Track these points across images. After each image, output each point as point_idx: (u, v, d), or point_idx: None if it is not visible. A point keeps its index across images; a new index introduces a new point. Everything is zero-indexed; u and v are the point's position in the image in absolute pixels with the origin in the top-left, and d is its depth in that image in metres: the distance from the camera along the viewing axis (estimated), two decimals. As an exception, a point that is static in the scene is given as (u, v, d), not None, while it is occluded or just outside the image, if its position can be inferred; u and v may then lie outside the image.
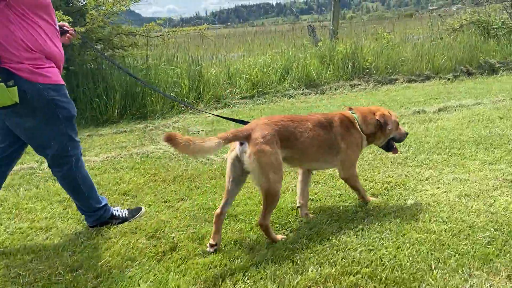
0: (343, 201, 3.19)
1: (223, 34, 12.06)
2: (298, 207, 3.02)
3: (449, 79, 8.77)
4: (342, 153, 2.92)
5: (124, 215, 3.02)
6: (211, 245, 2.55)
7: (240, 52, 9.53)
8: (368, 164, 4.00)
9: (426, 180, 3.51)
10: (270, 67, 8.39)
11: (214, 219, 2.62)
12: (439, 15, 11.46)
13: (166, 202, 3.32)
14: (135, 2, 7.44)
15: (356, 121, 3.03)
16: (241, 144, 2.56)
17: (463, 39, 9.72)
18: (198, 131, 5.64)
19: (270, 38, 10.57)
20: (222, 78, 7.98)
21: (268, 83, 8.09)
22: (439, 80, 8.73)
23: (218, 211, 2.62)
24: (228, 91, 7.69)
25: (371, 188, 3.39)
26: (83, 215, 2.98)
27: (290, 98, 7.84)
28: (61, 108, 2.58)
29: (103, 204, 2.95)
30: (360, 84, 8.44)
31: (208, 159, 4.37)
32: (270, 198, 2.55)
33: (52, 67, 2.56)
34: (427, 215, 2.84)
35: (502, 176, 3.46)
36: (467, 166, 3.75)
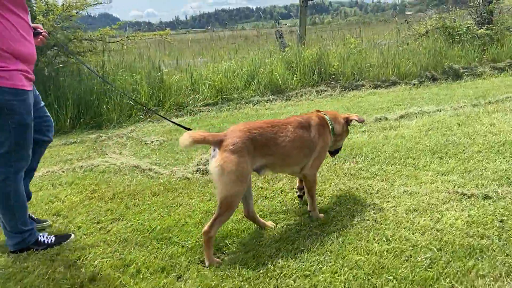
0: (288, 219, 3.02)
1: (196, 39, 11.84)
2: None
3: (414, 84, 8.76)
4: (316, 152, 2.94)
5: (50, 242, 2.79)
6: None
7: (206, 57, 9.31)
8: (321, 175, 3.84)
9: (377, 193, 3.37)
10: (235, 73, 8.20)
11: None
12: (405, 20, 11.51)
13: (99, 223, 3.08)
14: (89, 6, 7.16)
15: (328, 122, 3.08)
16: (214, 149, 2.53)
17: (429, 44, 9.75)
18: (152, 141, 5.39)
19: (237, 44, 10.39)
20: (184, 85, 7.76)
21: (233, 89, 7.90)
22: (404, 86, 8.71)
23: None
24: (190, 98, 7.47)
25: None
26: (5, 236, 2.74)
27: (255, 104, 7.67)
28: (14, 114, 2.45)
29: (29, 228, 2.73)
30: (326, 90, 8.35)
31: (156, 173, 4.15)
32: (224, 208, 2.47)
33: (16, 70, 2.43)
34: (371, 234, 2.70)
35: (453, 188, 3.36)
36: (420, 177, 3.64)
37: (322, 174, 3.88)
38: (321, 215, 3.03)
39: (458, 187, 3.36)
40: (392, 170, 3.85)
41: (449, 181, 3.50)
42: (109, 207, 3.35)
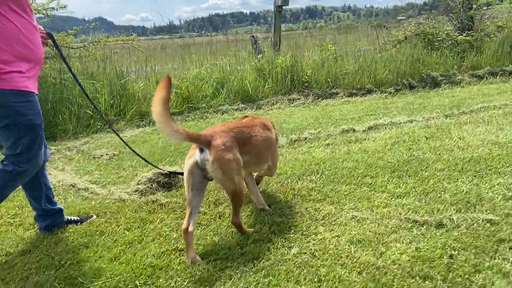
0: (216, 252, 2.69)
1: (181, 43, 11.42)
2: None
3: (390, 93, 8.50)
4: (274, 152, 3.28)
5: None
6: (192, 261, 2.54)
7: (179, 64, 8.97)
8: (268, 197, 3.53)
9: (323, 219, 3.06)
10: (204, 81, 7.88)
11: (183, 236, 2.59)
12: (385, 26, 11.28)
13: (6, 255, 2.73)
14: (51, 10, 6.81)
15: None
16: (201, 151, 2.62)
17: (406, 51, 9.51)
18: (102, 155, 5.04)
19: (209, 50, 10.05)
20: (149, 93, 7.41)
21: (200, 97, 7.58)
22: (380, 94, 8.45)
23: (184, 226, 2.58)
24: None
25: (255, 233, 2.91)
26: None
27: (223, 113, 7.35)
28: (21, 115, 2.44)
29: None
30: (299, 99, 8.05)
31: (91, 193, 3.81)
32: (238, 198, 2.71)
33: (17, 72, 2.42)
34: (303, 272, 2.38)
35: (406, 213, 3.06)
36: (373, 200, 3.33)
37: (270, 195, 3.56)
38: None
39: (412, 213, 3.06)
40: (346, 191, 3.54)
41: (403, 205, 3.20)
42: (25, 236, 2.99)
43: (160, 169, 3.76)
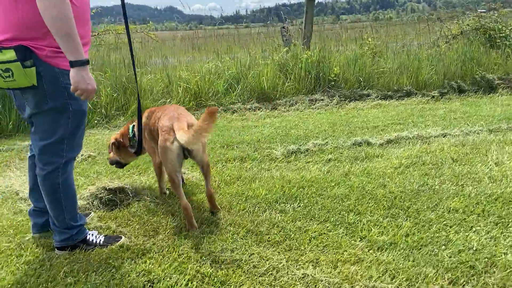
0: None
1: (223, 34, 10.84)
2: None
3: (433, 97, 7.34)
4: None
5: (99, 242, 2.63)
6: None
7: (197, 56, 8.38)
8: (215, 233, 2.80)
9: (262, 276, 2.28)
10: (218, 75, 7.22)
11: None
12: (438, 18, 9.90)
13: None
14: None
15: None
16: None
17: (460, 48, 8.22)
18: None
19: (241, 41, 9.35)
20: (158, 87, 6.89)
21: (212, 94, 6.93)
22: (420, 97, 7.31)
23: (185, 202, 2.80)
24: (159, 102, 6.59)
25: None
26: (53, 230, 2.59)
27: (233, 113, 6.68)
28: (74, 100, 2.29)
29: (78, 223, 2.59)
30: (322, 100, 7.16)
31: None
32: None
33: None
34: None
35: (378, 279, 2.20)
36: (343, 250, 2.49)
37: (219, 230, 2.83)
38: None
39: (387, 278, 2.20)
40: (315, 232, 2.72)
41: (379, 263, 2.33)
42: None
43: None
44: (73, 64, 2.09)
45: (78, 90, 2.13)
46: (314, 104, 7.03)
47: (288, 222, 2.87)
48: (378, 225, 2.77)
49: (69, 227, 2.52)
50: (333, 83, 7.38)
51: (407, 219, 2.85)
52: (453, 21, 9.47)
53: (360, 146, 4.70)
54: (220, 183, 3.69)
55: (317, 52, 7.56)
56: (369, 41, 8.61)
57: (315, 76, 7.38)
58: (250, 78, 7.20)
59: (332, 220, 2.88)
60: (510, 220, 2.75)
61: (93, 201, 3.12)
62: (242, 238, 2.66)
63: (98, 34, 7.21)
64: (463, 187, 3.37)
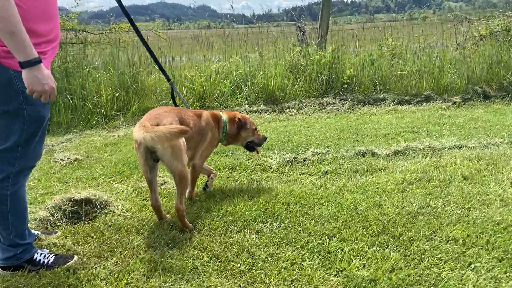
0: None
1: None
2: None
3: (455, 102, 6.82)
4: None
5: (47, 262, 2.37)
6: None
7: (203, 56, 8.12)
8: (172, 258, 2.52)
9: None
10: (225, 76, 6.94)
11: (155, 212, 2.90)
12: (465, 18, 9.27)
13: None
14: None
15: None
16: None
17: (486, 50, 7.63)
18: (61, 159, 4.38)
19: (254, 40, 9.04)
20: (162, 87, 6.68)
21: (217, 95, 6.66)
22: (441, 103, 6.81)
23: (154, 202, 2.85)
24: (162, 103, 6.38)
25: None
26: None
27: (238, 115, 6.37)
28: (30, 104, 2.10)
29: (25, 241, 2.34)
30: (333, 103, 6.77)
31: None
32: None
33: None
34: None
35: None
36: None
37: (175, 259, 2.54)
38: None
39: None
40: (287, 261, 2.39)
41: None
42: None
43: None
44: (22, 65, 1.91)
45: (34, 92, 1.95)
46: (324, 108, 6.66)
47: (260, 246, 2.55)
48: (361, 256, 2.41)
49: (14, 244, 2.29)
50: (346, 86, 6.97)
51: (396, 249, 2.48)
52: (481, 21, 8.82)
53: (363, 156, 4.32)
54: (200, 194, 3.41)
55: (331, 53, 7.16)
56: (389, 42, 8.13)
57: (327, 78, 7.00)
58: (259, 79, 6.88)
59: (310, 246, 2.54)
60: (518, 257, 2.34)
61: (56, 213, 2.89)
62: (203, 265, 2.37)
63: (105, 33, 7.04)
64: (469, 211, 2.96)
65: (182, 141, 2.71)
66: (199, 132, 3.15)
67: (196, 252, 2.49)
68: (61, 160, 4.37)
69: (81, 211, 2.94)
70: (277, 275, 2.26)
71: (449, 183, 3.48)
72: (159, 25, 7.34)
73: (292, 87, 6.89)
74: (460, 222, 2.77)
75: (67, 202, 2.93)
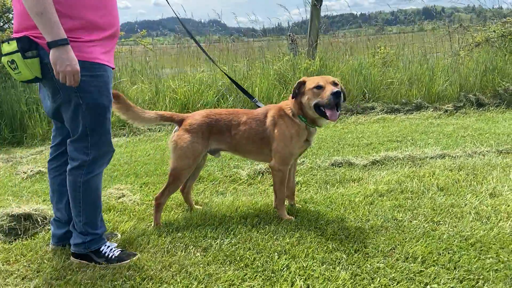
0: None
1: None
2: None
3: (446, 111, 6.60)
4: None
5: (111, 256, 2.38)
6: None
7: (191, 66, 7.99)
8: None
9: None
10: (209, 85, 6.80)
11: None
12: (461, 24, 9.05)
13: None
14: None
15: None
16: (176, 128, 2.87)
17: (480, 57, 7.40)
18: (25, 172, 4.23)
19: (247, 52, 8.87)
20: (144, 97, 6.55)
21: (201, 104, 6.51)
22: (432, 111, 6.59)
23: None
24: (143, 114, 6.22)
25: None
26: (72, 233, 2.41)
27: (221, 126, 6.20)
28: (86, 92, 2.10)
29: (95, 231, 2.38)
30: (320, 112, 6.55)
31: None
32: (171, 179, 2.83)
33: (89, 42, 2.09)
34: None
35: None
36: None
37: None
38: (291, 217, 2.90)
39: None
40: (225, 282, 2.18)
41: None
42: None
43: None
44: (49, 45, 1.94)
45: (59, 74, 1.97)
46: (310, 118, 6.45)
47: (202, 265, 2.35)
48: (307, 275, 2.20)
49: (84, 232, 2.34)
50: (333, 94, 6.76)
51: (347, 267, 2.25)
52: (476, 28, 8.60)
53: (339, 167, 4.11)
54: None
55: (318, 61, 6.99)
56: (381, 50, 7.95)
57: (314, 87, 6.79)
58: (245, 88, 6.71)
59: (255, 264, 2.33)
60: (480, 277, 2.11)
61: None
62: None
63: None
64: (437, 224, 2.73)
65: (182, 139, 2.77)
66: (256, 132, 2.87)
67: (130, 272, 2.29)
68: (23, 172, 4.22)
69: (19, 227, 2.76)
70: (209, 298, 2.05)
71: (422, 194, 3.26)
72: (143, 34, 7.23)
73: (279, 96, 6.71)
74: (424, 237, 2.53)
75: (5, 218, 2.76)
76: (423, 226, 2.70)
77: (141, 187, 3.75)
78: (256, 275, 2.23)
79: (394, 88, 6.89)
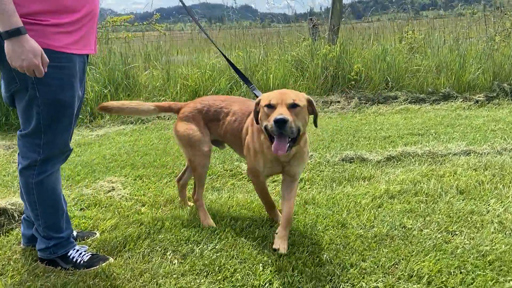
0: None
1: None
2: None
3: (477, 101, 6.06)
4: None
5: (80, 262, 2.18)
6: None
7: (205, 53, 7.68)
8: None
9: None
10: (223, 71, 6.51)
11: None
12: (498, 7, 8.32)
13: None
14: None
15: None
16: None
17: (519, 44, 6.78)
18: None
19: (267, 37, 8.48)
20: (155, 83, 6.34)
21: (212, 92, 6.25)
22: (461, 102, 6.07)
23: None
24: (153, 100, 6.03)
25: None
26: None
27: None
28: (44, 85, 1.88)
29: (59, 235, 2.16)
30: (338, 102, 6.18)
31: None
32: (192, 171, 2.71)
33: (56, 26, 1.86)
34: None
35: None
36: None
37: None
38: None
39: None
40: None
41: None
42: None
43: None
44: (2, 36, 1.72)
45: (17, 68, 1.75)
46: (328, 107, 6.09)
47: (175, 276, 2.09)
48: (290, 294, 1.91)
49: (47, 236, 2.15)
50: (353, 82, 6.36)
51: (339, 285, 1.95)
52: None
53: (350, 162, 3.77)
54: (146, 207, 2.99)
55: (338, 47, 6.56)
56: (409, 34, 7.42)
57: (333, 74, 6.41)
58: (259, 76, 6.40)
59: (235, 278, 2.06)
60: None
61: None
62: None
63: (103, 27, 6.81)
64: (452, 235, 2.37)
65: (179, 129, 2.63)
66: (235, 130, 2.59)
67: (95, 281, 2.06)
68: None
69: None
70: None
71: (439, 197, 2.88)
72: (157, 17, 7.01)
73: (295, 84, 6.36)
74: (434, 251, 2.19)
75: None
76: (435, 236, 2.35)
77: (135, 179, 3.53)
78: (233, 291, 1.96)
79: (420, 76, 6.40)
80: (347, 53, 6.52)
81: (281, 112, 2.02)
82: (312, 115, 2.31)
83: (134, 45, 7.40)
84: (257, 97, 2.42)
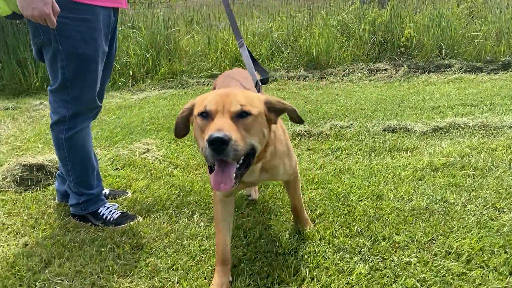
0: None
1: None
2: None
3: (541, 71, 5.53)
4: None
5: (109, 219, 2.20)
6: None
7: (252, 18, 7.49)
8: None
9: None
10: (265, 37, 6.34)
11: None
12: None
13: None
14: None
15: None
16: None
17: None
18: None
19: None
20: (196, 48, 6.29)
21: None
22: (523, 71, 5.57)
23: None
24: (193, 66, 6.00)
25: None
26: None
27: (272, 82, 5.79)
28: (65, 37, 1.84)
29: (90, 191, 2.20)
30: (385, 70, 5.86)
31: None
32: None
33: None
34: None
35: None
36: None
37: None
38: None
39: None
40: None
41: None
42: None
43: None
44: None
45: (30, 18, 1.70)
46: (373, 75, 5.79)
47: (200, 238, 2.06)
48: (315, 263, 1.82)
49: (78, 192, 2.18)
50: (403, 49, 5.98)
51: (368, 259, 1.83)
52: None
53: (393, 133, 3.55)
54: (178, 169, 2.98)
55: (389, 10, 6.16)
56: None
57: (381, 41, 6.05)
58: (302, 41, 6.17)
59: (259, 244, 2.00)
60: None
61: (6, 178, 2.65)
62: (117, 257, 1.95)
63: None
64: (499, 212, 2.17)
65: None
66: None
67: (121, 238, 2.07)
68: (42, 118, 4.21)
69: (31, 177, 2.67)
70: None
71: (488, 172, 2.65)
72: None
73: (339, 50, 6.08)
74: (477, 228, 2.01)
75: (18, 167, 2.68)
76: (480, 213, 2.16)
77: (169, 142, 3.53)
78: (256, 256, 1.90)
79: (478, 43, 5.91)
80: (397, 17, 6.11)
81: (220, 127, 1.30)
82: (274, 124, 1.58)
83: (176, 9, 7.33)
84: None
